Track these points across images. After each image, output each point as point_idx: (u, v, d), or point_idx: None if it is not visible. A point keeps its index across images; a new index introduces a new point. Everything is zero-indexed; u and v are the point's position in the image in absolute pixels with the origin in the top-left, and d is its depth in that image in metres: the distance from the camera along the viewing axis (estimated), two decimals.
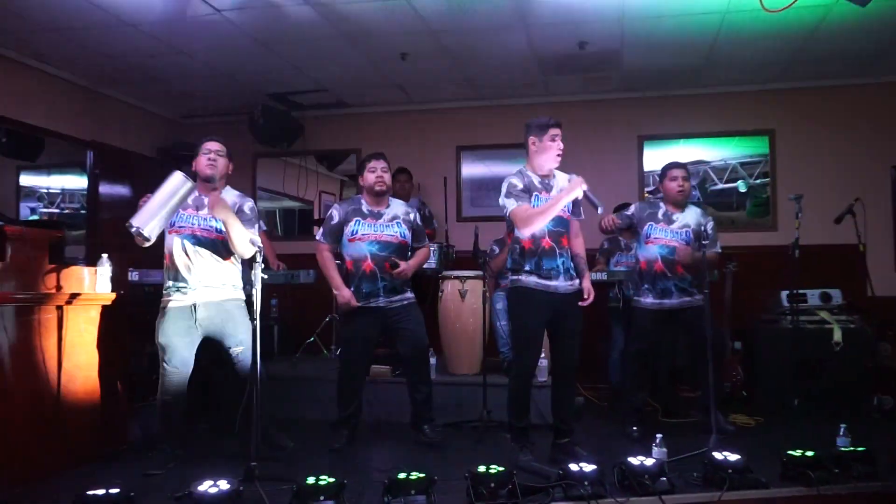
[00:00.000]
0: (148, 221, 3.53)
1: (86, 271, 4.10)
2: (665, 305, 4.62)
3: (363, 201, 4.38)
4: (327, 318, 6.25)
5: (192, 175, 3.83)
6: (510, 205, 3.87)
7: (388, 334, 4.44)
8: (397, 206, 4.43)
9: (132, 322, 4.47)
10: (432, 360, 5.24)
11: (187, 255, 3.91)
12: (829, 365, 5.21)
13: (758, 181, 6.79)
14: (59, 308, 3.86)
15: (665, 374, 5.32)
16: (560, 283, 3.93)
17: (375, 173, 4.32)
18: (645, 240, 4.70)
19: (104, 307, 4.15)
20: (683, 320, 4.61)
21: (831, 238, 5.85)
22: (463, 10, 4.93)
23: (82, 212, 6.78)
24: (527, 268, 3.91)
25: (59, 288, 3.90)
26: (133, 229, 3.52)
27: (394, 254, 4.29)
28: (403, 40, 5.52)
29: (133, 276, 4.73)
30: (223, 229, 3.84)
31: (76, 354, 3.97)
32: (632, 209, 4.81)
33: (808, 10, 4.88)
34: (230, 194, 4.04)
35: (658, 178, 4.95)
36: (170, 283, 3.94)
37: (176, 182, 3.62)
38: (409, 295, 4.40)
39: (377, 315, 4.29)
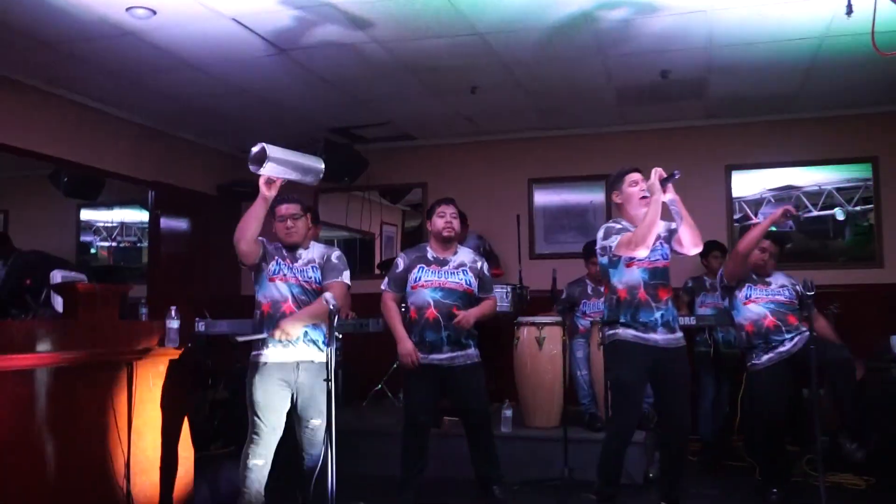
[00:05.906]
0: (278, 157, 3.43)
1: (154, 325, 4.27)
2: (784, 355, 4.42)
3: (429, 248, 4.47)
4: (394, 365, 6.32)
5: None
6: (613, 242, 3.89)
7: (447, 393, 4.48)
8: (465, 254, 4.51)
9: (195, 373, 4.62)
10: (507, 413, 5.28)
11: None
12: None
13: (857, 208, 6.63)
14: (130, 365, 4.03)
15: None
16: (659, 336, 3.90)
17: (444, 218, 4.40)
18: (744, 301, 4.55)
19: (171, 361, 4.31)
20: (802, 359, 4.26)
21: None
22: (542, 45, 5.02)
23: (139, 245, 7.07)
24: (622, 320, 3.92)
25: (128, 344, 4.08)
26: (257, 148, 3.43)
27: (458, 301, 4.32)
28: (474, 74, 5.64)
29: (200, 326, 4.84)
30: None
31: (145, 411, 4.13)
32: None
33: None
34: (317, 249, 4.09)
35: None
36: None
37: (316, 165, 3.63)
38: (473, 351, 4.40)
39: (438, 372, 4.32)
